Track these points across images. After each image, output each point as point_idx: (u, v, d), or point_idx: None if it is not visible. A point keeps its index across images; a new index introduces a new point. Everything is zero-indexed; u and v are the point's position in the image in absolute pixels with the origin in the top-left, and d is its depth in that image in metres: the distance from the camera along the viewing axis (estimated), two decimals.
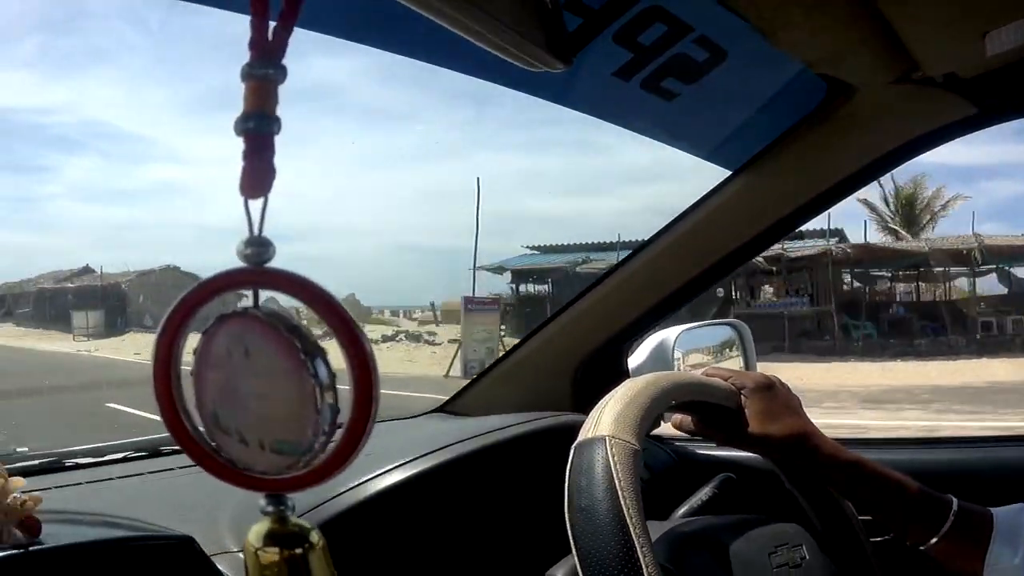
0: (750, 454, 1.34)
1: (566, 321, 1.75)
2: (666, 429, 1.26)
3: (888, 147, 1.47)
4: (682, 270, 1.63)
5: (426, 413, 1.89)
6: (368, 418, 0.44)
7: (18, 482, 1.14)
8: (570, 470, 0.91)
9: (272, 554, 0.48)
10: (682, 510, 1.31)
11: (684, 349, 1.62)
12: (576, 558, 0.86)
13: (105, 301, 36.49)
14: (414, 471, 1.32)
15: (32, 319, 39.34)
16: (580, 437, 0.93)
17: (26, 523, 1.10)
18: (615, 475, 0.87)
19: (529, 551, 1.32)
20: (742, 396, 1.15)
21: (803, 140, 1.49)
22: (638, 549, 0.83)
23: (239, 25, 0.47)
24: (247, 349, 0.44)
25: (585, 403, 1.58)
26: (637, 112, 1.43)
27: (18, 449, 1.65)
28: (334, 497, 1.27)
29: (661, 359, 1.60)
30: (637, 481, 0.89)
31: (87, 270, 40.79)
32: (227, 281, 0.45)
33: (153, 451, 1.63)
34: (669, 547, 1.04)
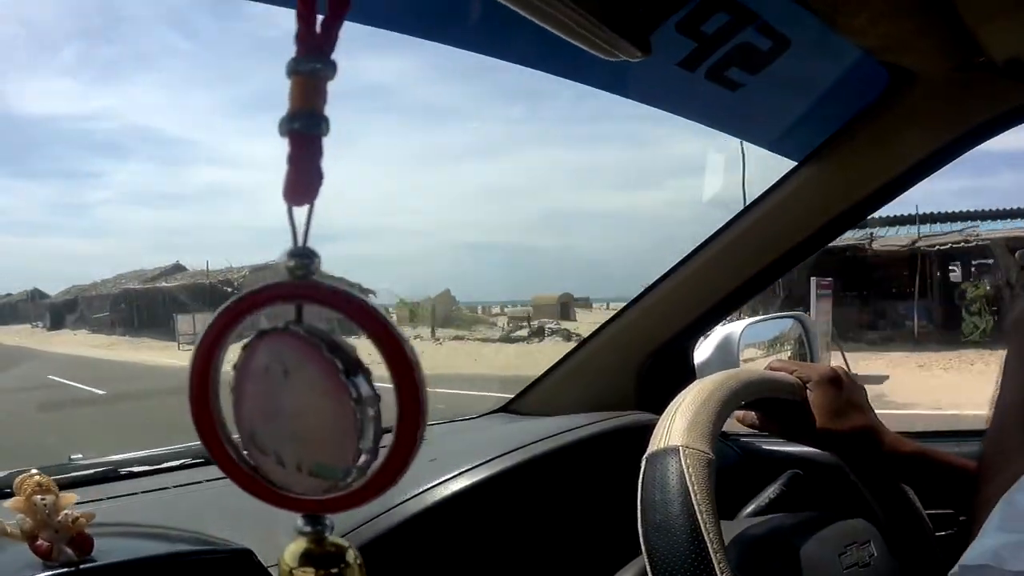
0: (813, 449, 1.33)
1: (631, 318, 1.73)
2: (730, 424, 1.25)
3: (950, 135, 1.43)
4: (748, 264, 1.60)
5: (488, 413, 1.86)
6: (414, 441, 0.41)
7: (69, 498, 1.12)
8: (643, 482, 0.89)
9: (307, 574, 0.45)
10: (749, 508, 1.28)
11: (748, 343, 1.61)
12: (649, 566, 0.84)
13: (214, 301, 31.60)
14: (481, 476, 1.30)
15: (114, 324, 35.63)
16: (652, 447, 0.91)
17: (77, 540, 1.09)
18: (691, 489, 0.85)
19: (596, 554, 1.30)
20: (807, 390, 1.13)
21: (866, 130, 1.46)
22: (715, 565, 0.81)
23: (285, 24, 0.43)
24: (286, 367, 0.41)
25: (650, 400, 1.59)
26: (702, 103, 1.41)
27: (72, 457, 1.66)
28: (400, 504, 1.26)
29: (727, 354, 1.58)
30: (712, 493, 0.86)
31: (178, 267, 37.64)
32: (269, 295, 0.42)
33: (209, 459, 1.62)
34: (739, 552, 1.01)
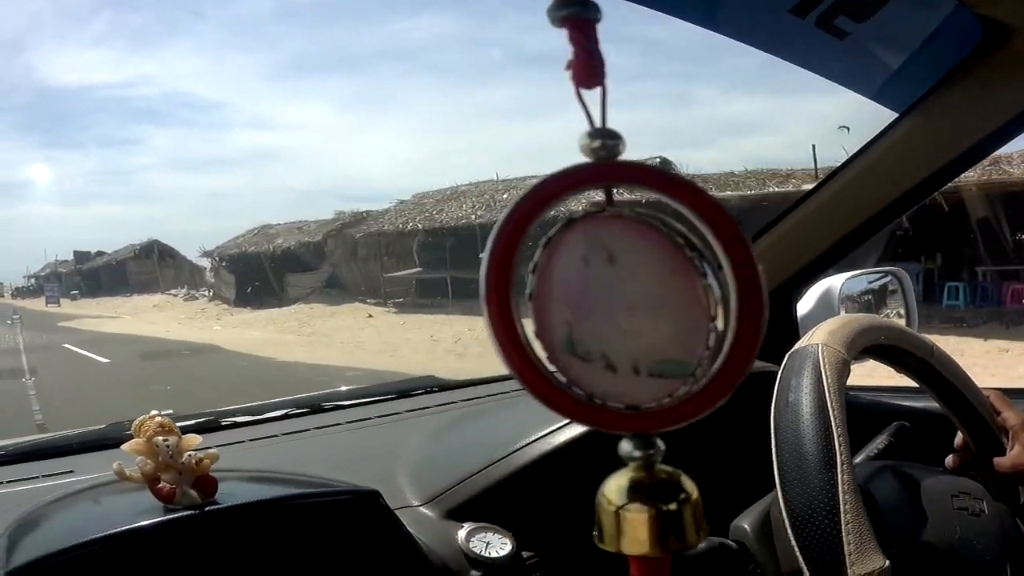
0: (917, 403, 1.46)
1: None
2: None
3: None
4: (851, 216, 1.57)
5: None
6: (759, 330, 0.37)
7: (193, 439, 1.11)
8: (782, 370, 0.99)
9: (640, 512, 0.39)
10: (860, 457, 1.27)
11: (847, 295, 1.61)
12: (775, 446, 0.93)
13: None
14: None
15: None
16: (794, 347, 1.01)
17: (201, 482, 1.08)
18: (823, 374, 0.94)
19: (719, 501, 1.30)
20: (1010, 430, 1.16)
21: (962, 83, 1.41)
22: (836, 439, 0.90)
23: None
24: (611, 254, 0.37)
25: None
26: (810, 50, 1.38)
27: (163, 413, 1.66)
28: (498, 461, 1.27)
29: (827, 307, 1.57)
30: (843, 386, 0.96)
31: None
32: (574, 179, 0.38)
33: (315, 407, 1.62)
34: (859, 467, 1.07)
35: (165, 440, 1.08)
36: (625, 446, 0.39)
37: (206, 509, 1.06)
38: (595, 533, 0.40)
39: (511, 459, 1.27)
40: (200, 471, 1.08)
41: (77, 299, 38.66)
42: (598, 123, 0.38)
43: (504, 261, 0.38)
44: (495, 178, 23.37)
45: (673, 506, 0.38)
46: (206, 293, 32.16)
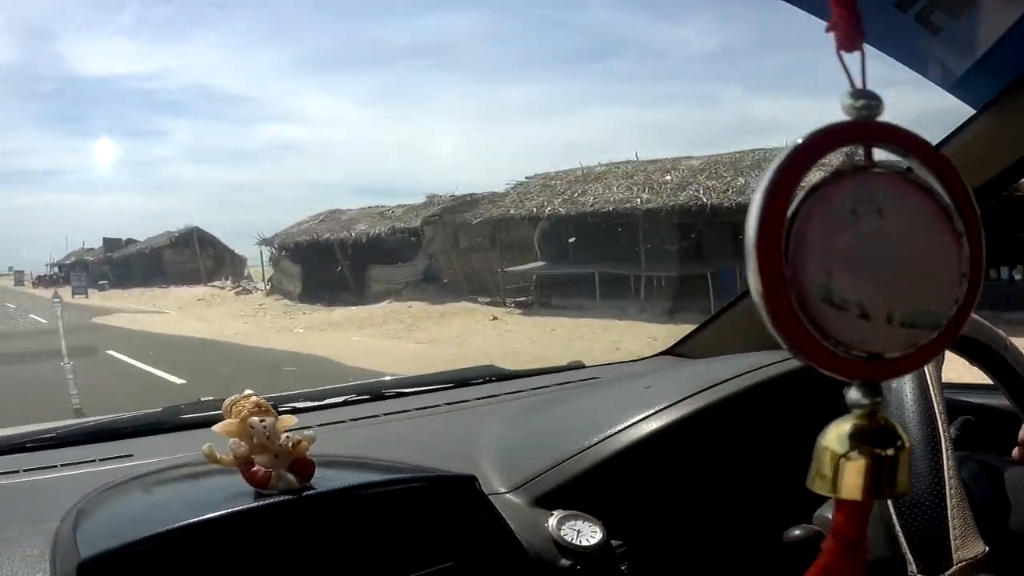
0: (975, 399, 1.47)
1: None
2: None
3: None
4: None
5: (649, 357, 1.85)
6: (979, 289, 0.39)
7: (289, 420, 1.08)
8: None
9: (859, 459, 0.40)
10: None
11: None
12: None
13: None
14: (693, 408, 1.30)
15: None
16: None
17: (297, 466, 1.04)
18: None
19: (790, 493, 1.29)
20: None
21: None
22: (940, 424, 0.92)
23: None
24: (880, 208, 0.38)
25: None
26: (907, 44, 1.39)
27: (203, 398, 1.63)
28: (588, 448, 1.26)
29: None
30: (940, 370, 1.00)
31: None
32: (840, 136, 0.39)
33: (376, 394, 1.61)
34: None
35: (262, 421, 1.04)
36: (854, 394, 0.40)
37: (304, 494, 1.03)
38: (810, 478, 0.42)
39: (602, 446, 1.26)
40: (297, 453, 1.04)
41: (106, 289, 34.81)
42: (859, 84, 0.40)
43: (779, 214, 0.39)
44: (635, 158, 19.14)
45: (891, 452, 0.40)
46: (260, 286, 28.42)
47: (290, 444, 1.04)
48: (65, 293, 27.10)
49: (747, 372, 1.38)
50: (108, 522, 1.10)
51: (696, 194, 16.08)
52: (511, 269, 19.33)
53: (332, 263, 24.04)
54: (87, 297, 32.13)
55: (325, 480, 1.06)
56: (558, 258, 18.88)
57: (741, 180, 15.64)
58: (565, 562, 1.14)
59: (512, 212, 19.28)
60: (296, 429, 1.08)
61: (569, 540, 1.16)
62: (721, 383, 1.35)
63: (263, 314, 22.10)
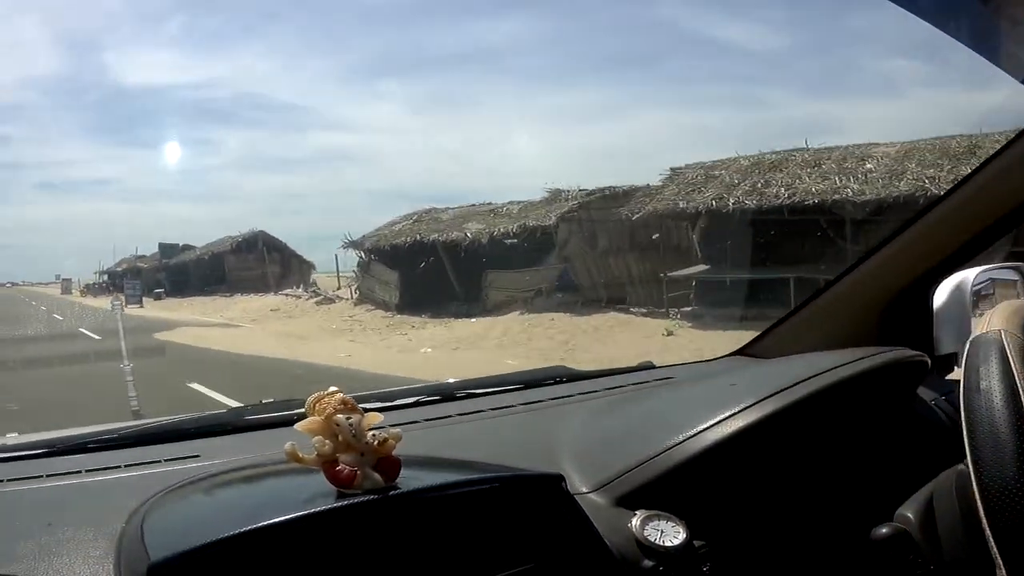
0: None
1: (875, 263, 1.69)
2: None
3: None
4: (989, 211, 1.56)
5: (720, 357, 1.82)
6: None
7: (375, 417, 1.05)
8: (966, 356, 1.01)
9: None
10: None
11: (980, 289, 1.59)
12: (967, 431, 0.95)
13: None
14: (772, 408, 1.27)
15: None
16: (972, 335, 1.03)
17: (384, 464, 1.01)
18: (1011, 360, 0.96)
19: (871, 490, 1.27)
20: None
21: None
22: None
23: None
24: None
25: (891, 342, 1.53)
26: (986, 34, 1.38)
27: (264, 401, 1.62)
28: (672, 448, 1.24)
29: (959, 300, 1.56)
30: None
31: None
32: None
33: (447, 395, 1.59)
34: None
35: (348, 418, 1.01)
36: None
37: (391, 494, 1.00)
38: None
39: (685, 445, 1.24)
40: (383, 452, 1.01)
41: (162, 298, 30.73)
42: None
43: None
44: (804, 146, 15.88)
45: None
46: (345, 295, 23.78)
47: (376, 442, 1.02)
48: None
49: (828, 370, 1.35)
50: (178, 523, 1.07)
51: (919, 183, 13.15)
52: (676, 273, 15.85)
53: (436, 268, 20.17)
54: (142, 306, 27.34)
55: (410, 480, 1.03)
56: (737, 260, 15.31)
57: (965, 168, 11.53)
58: (648, 562, 1.12)
59: (680, 205, 15.73)
60: (380, 428, 1.05)
61: (652, 540, 1.14)
62: (803, 381, 1.32)
63: (360, 328, 18.74)
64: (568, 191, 18.82)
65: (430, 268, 20.26)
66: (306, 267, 30.69)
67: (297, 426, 1.04)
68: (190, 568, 0.91)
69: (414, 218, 21.93)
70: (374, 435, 1.02)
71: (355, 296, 22.72)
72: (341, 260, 24.39)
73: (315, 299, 24.43)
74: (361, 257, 22.60)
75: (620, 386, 1.69)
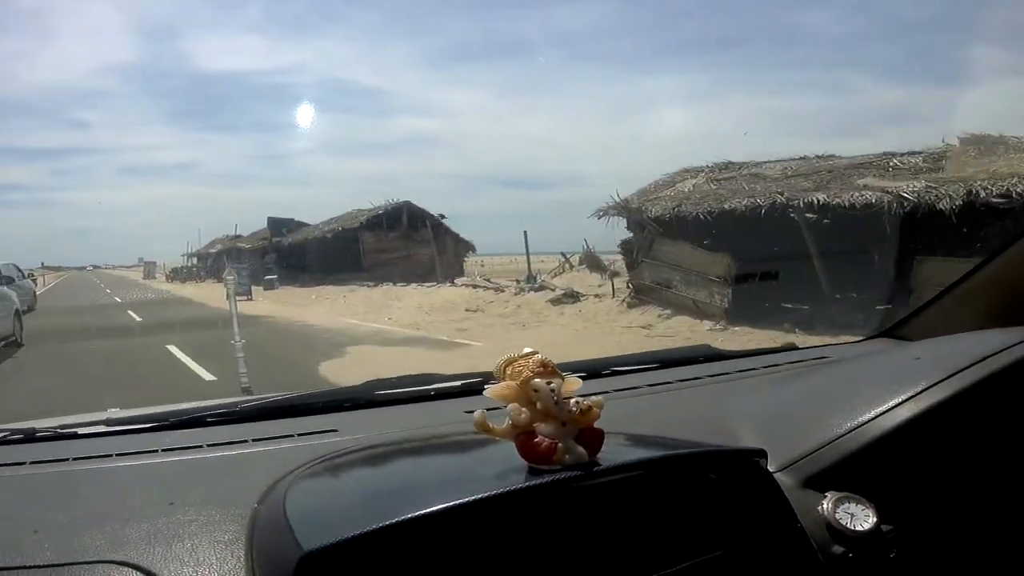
0: None
1: None
2: None
3: None
4: None
5: (865, 339, 1.74)
6: None
7: (575, 383, 0.96)
8: None
9: None
10: None
11: None
12: None
13: None
14: (959, 386, 1.20)
15: None
16: None
17: (587, 436, 0.92)
18: None
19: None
20: None
21: None
22: None
23: None
24: None
25: None
26: None
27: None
28: (861, 425, 1.18)
29: None
30: None
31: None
32: None
33: (593, 372, 1.53)
34: None
35: (548, 383, 0.91)
36: None
37: (595, 469, 0.90)
38: None
39: (876, 423, 1.17)
40: (586, 422, 0.92)
41: (275, 287, 23.59)
42: None
43: None
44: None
45: None
46: (588, 289, 15.54)
47: (578, 411, 0.92)
48: (212, 292, 20.39)
49: (1013, 346, 1.27)
50: (331, 505, 0.97)
51: None
52: None
53: (791, 253, 11.30)
54: (251, 299, 19.99)
55: (611, 454, 0.94)
56: None
57: None
58: (838, 548, 1.06)
59: None
60: (591, 394, 0.95)
61: (844, 524, 1.08)
62: (993, 355, 1.25)
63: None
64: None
65: (780, 254, 11.53)
66: (462, 247, 25.71)
67: (487, 391, 0.94)
68: (352, 559, 0.80)
69: (703, 174, 14.11)
70: (577, 403, 0.92)
71: (628, 292, 14.16)
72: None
73: (527, 293, 16.08)
74: (638, 232, 13.87)
75: (774, 364, 1.62)
